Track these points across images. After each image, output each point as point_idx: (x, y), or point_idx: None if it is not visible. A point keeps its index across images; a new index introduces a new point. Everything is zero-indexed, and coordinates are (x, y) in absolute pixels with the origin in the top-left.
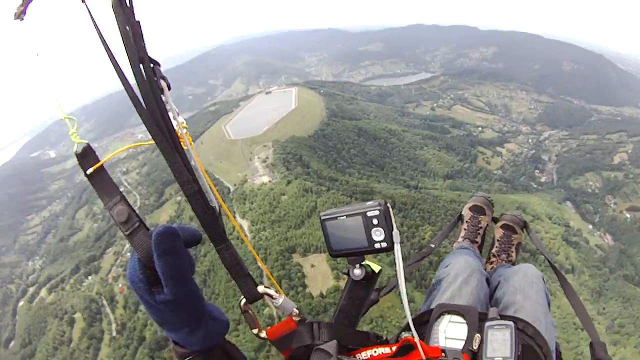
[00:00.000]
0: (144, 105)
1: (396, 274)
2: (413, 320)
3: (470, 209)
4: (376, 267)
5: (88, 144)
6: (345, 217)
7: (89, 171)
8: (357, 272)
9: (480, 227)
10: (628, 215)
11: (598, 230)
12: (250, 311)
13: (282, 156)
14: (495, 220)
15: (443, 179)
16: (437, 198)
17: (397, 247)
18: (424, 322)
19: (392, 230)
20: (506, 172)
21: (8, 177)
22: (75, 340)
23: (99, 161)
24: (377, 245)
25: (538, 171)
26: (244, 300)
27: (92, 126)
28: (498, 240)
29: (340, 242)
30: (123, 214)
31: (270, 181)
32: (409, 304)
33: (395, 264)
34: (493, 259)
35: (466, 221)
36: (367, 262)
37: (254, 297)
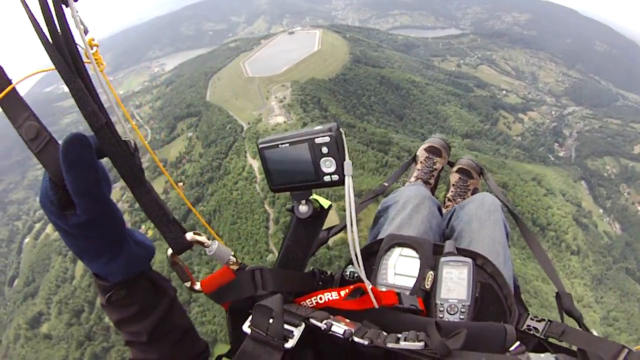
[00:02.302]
0: (42, 20)
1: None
2: (361, 250)
3: (425, 149)
4: (325, 203)
5: None
6: (288, 144)
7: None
8: (303, 208)
9: (435, 169)
10: None
11: (608, 217)
12: (180, 262)
13: (300, 97)
14: (451, 164)
15: (462, 137)
16: (453, 156)
17: (349, 180)
18: (372, 253)
19: (344, 160)
20: (525, 140)
21: None
22: (77, 277)
23: (10, 83)
24: (326, 178)
25: (557, 145)
26: (170, 251)
27: (108, 60)
28: (453, 185)
29: (282, 175)
30: (32, 131)
31: (285, 122)
32: (358, 243)
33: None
34: (449, 203)
35: (420, 162)
36: (314, 197)
37: (182, 246)
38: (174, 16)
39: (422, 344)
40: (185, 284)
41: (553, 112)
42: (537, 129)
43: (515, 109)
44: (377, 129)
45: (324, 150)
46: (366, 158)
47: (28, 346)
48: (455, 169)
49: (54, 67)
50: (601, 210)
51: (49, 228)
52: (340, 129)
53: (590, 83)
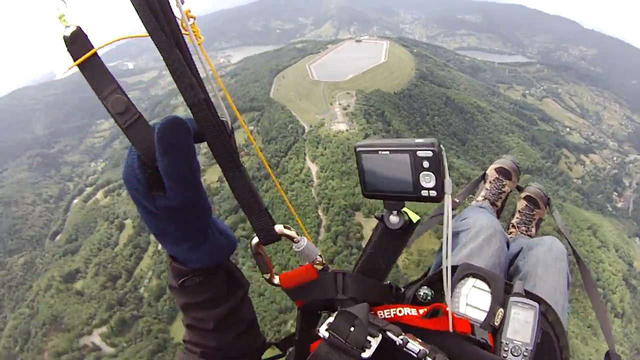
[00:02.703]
0: None
1: (442, 226)
2: (435, 274)
3: (496, 169)
4: (414, 217)
5: (79, 28)
6: (388, 152)
7: (80, 59)
8: (394, 219)
9: (503, 192)
10: None
11: None
12: (263, 253)
13: (364, 107)
14: (519, 189)
15: (522, 172)
16: (511, 192)
17: (448, 199)
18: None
19: (445, 178)
20: (585, 184)
21: (83, 82)
22: (121, 245)
23: (91, 48)
24: (424, 193)
25: (616, 194)
26: (256, 240)
27: None
28: (519, 212)
29: (378, 182)
30: (120, 104)
31: (347, 130)
32: (451, 265)
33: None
34: (512, 230)
35: (490, 181)
36: (405, 209)
37: (270, 237)
38: (241, 10)
39: None
40: (265, 275)
41: (615, 158)
42: (597, 174)
43: (578, 149)
44: None
45: (425, 164)
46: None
47: (58, 297)
48: (523, 195)
49: (146, 34)
50: None
51: (100, 194)
52: (442, 146)
53: None
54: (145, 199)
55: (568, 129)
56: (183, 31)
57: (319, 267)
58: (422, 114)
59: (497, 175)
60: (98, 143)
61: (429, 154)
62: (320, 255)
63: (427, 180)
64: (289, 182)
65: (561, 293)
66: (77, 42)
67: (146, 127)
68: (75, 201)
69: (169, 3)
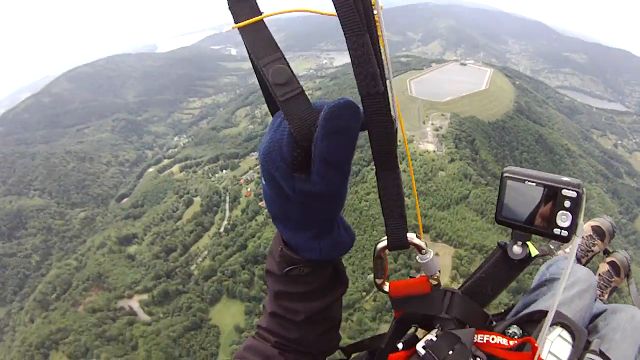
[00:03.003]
0: None
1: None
2: (525, 315)
3: (592, 227)
4: (534, 251)
5: None
6: (534, 184)
7: (243, 23)
8: (517, 250)
9: (592, 251)
10: None
11: None
12: (384, 258)
13: (456, 131)
14: (606, 252)
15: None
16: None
17: (577, 241)
18: (533, 321)
19: (579, 220)
20: None
21: (184, 59)
22: (184, 220)
23: (259, 12)
24: (556, 230)
25: None
26: (383, 244)
27: (281, 38)
28: (600, 275)
29: (514, 210)
30: (282, 75)
31: (434, 151)
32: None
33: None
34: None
35: (582, 237)
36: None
37: (400, 244)
38: None
39: None
40: (377, 280)
41: None
42: None
43: None
44: None
45: (567, 204)
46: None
47: (108, 257)
48: (608, 260)
49: (334, 13)
50: None
51: (176, 168)
52: (584, 189)
53: None
54: (285, 179)
55: None
56: (375, 20)
57: (434, 282)
58: (512, 147)
59: (591, 233)
60: (185, 119)
61: (574, 194)
62: (439, 271)
63: (564, 219)
64: (365, 191)
65: None
66: (241, 2)
67: (307, 104)
68: (150, 170)
69: None
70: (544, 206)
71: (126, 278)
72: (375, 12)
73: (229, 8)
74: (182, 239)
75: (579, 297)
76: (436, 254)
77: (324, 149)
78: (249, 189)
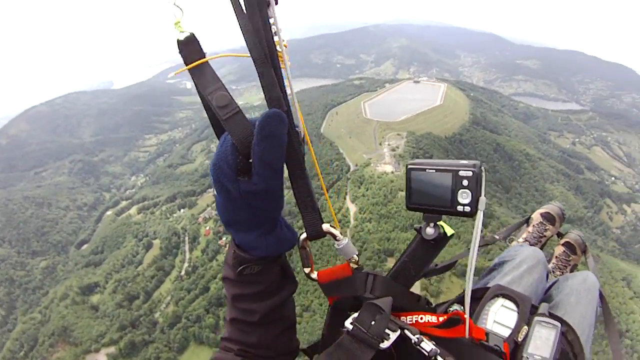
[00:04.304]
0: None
1: (468, 248)
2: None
3: (542, 214)
4: (449, 231)
5: (193, 34)
6: (434, 170)
7: (193, 64)
8: (430, 231)
9: (545, 236)
10: None
11: None
12: (308, 248)
13: (413, 150)
14: (559, 235)
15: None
16: (551, 237)
17: (480, 215)
18: (477, 298)
19: (480, 195)
20: (624, 234)
21: (139, 95)
22: (144, 265)
23: (203, 55)
24: (459, 208)
25: None
26: (304, 235)
27: (234, 69)
28: (557, 257)
29: (421, 196)
30: (223, 99)
31: (392, 172)
32: (473, 274)
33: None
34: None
35: (533, 225)
36: (441, 223)
37: (317, 233)
38: (306, 42)
39: None
40: (305, 269)
41: None
42: (637, 224)
43: (621, 198)
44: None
45: (465, 182)
46: (464, 228)
47: (72, 309)
48: (562, 241)
49: (248, 55)
50: None
51: (134, 210)
52: (483, 167)
53: None
54: (232, 182)
55: (613, 178)
56: (279, 55)
57: (354, 266)
58: (470, 159)
59: (541, 220)
60: (142, 158)
61: (469, 173)
62: (357, 255)
63: (465, 197)
64: (325, 220)
65: (588, 322)
66: (189, 47)
67: (244, 119)
68: (108, 212)
69: (271, 30)
70: (446, 188)
71: (91, 331)
72: (279, 48)
73: (179, 52)
74: (144, 285)
75: (528, 273)
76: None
77: (260, 152)
78: (207, 227)
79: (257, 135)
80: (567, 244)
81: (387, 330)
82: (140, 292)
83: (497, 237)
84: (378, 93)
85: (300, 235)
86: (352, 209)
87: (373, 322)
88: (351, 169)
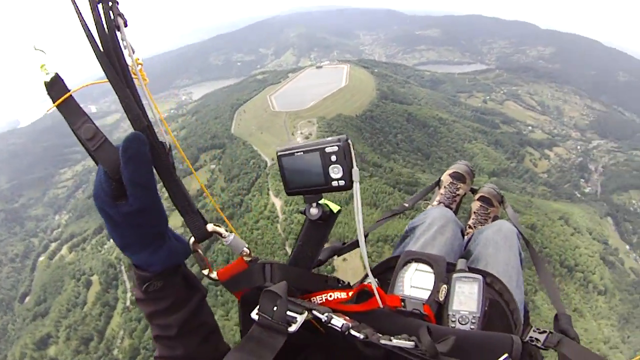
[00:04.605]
0: (99, 42)
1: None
2: (378, 266)
3: (450, 175)
4: (335, 207)
5: (57, 74)
6: (302, 152)
7: (58, 101)
8: (314, 211)
9: (458, 195)
10: None
11: (634, 252)
12: (199, 251)
13: (326, 134)
14: (473, 191)
15: (488, 175)
16: (476, 184)
17: (356, 186)
18: (390, 268)
19: (352, 168)
20: (552, 177)
21: (46, 129)
22: (89, 304)
23: (68, 91)
24: (334, 183)
25: (583, 180)
26: (193, 239)
27: (137, 84)
28: (475, 212)
29: (296, 180)
30: (90, 131)
31: None
32: (365, 245)
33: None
34: (469, 230)
35: (444, 187)
36: (325, 201)
37: (203, 235)
38: (203, 45)
39: (412, 343)
40: (203, 271)
41: (578, 147)
42: (563, 165)
43: (542, 144)
44: (403, 168)
45: (333, 158)
46: (393, 200)
47: None
48: (477, 196)
49: (106, 80)
50: (628, 247)
51: (65, 250)
52: (349, 141)
53: (615, 115)
54: (112, 207)
55: (530, 128)
56: (132, 75)
57: (248, 259)
58: (385, 133)
59: (451, 180)
60: (61, 194)
61: (335, 148)
62: (247, 248)
63: (336, 172)
64: (253, 220)
65: (513, 268)
66: (55, 87)
67: (111, 147)
68: (41, 259)
69: (122, 54)
70: (317, 167)
71: None
72: (133, 72)
73: (48, 94)
74: (94, 325)
75: (440, 234)
76: (344, 260)
77: (128, 174)
78: None
79: (122, 159)
80: (482, 198)
81: (291, 314)
82: (92, 333)
83: (406, 204)
84: (282, 84)
85: (189, 240)
86: (278, 203)
87: (275, 308)
88: (268, 164)
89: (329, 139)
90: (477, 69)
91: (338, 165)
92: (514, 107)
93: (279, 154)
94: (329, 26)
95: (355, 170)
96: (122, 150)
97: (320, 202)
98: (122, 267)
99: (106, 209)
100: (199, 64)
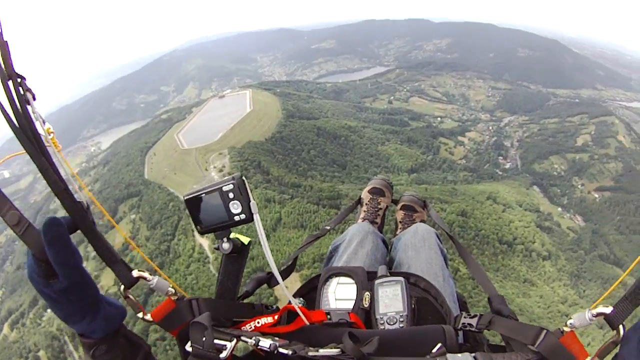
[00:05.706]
0: (12, 116)
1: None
2: (302, 287)
3: (369, 191)
4: (245, 239)
5: None
6: (204, 194)
7: None
8: (226, 245)
9: (380, 209)
10: (597, 196)
11: (568, 212)
12: (130, 296)
13: (239, 164)
14: (395, 202)
15: (408, 173)
16: (399, 192)
17: (257, 217)
18: (315, 287)
19: (250, 201)
20: (470, 161)
21: None
22: None
23: None
24: (236, 218)
25: (502, 158)
26: (122, 286)
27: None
28: (400, 222)
29: (205, 219)
30: (15, 217)
31: None
32: (276, 267)
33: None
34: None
35: (365, 203)
36: (236, 235)
37: (130, 281)
38: (105, 91)
39: (338, 350)
40: (138, 314)
41: (490, 128)
42: (478, 148)
43: (454, 133)
44: (322, 183)
45: (231, 195)
46: (319, 218)
47: None
48: (399, 206)
49: (23, 150)
50: (560, 209)
51: (6, 328)
52: (243, 177)
53: (520, 90)
54: (46, 287)
55: (439, 119)
56: (45, 143)
57: (174, 298)
58: (297, 151)
59: (370, 196)
60: None
61: (230, 186)
62: (172, 287)
63: (236, 207)
64: (184, 265)
65: (437, 265)
66: None
67: (34, 231)
68: None
69: (34, 125)
70: (219, 206)
71: None
72: (46, 142)
73: None
74: None
75: (361, 247)
76: (286, 287)
77: (52, 256)
78: None
79: (44, 243)
80: (404, 207)
81: (219, 341)
82: None
83: (327, 227)
84: (188, 120)
85: (119, 288)
86: (205, 243)
87: (204, 339)
88: None
89: (225, 178)
90: (377, 72)
91: (236, 201)
92: (419, 102)
93: (185, 198)
94: (226, 54)
95: (253, 203)
96: (43, 234)
97: (230, 236)
98: (66, 338)
99: (41, 289)
100: (103, 110)
